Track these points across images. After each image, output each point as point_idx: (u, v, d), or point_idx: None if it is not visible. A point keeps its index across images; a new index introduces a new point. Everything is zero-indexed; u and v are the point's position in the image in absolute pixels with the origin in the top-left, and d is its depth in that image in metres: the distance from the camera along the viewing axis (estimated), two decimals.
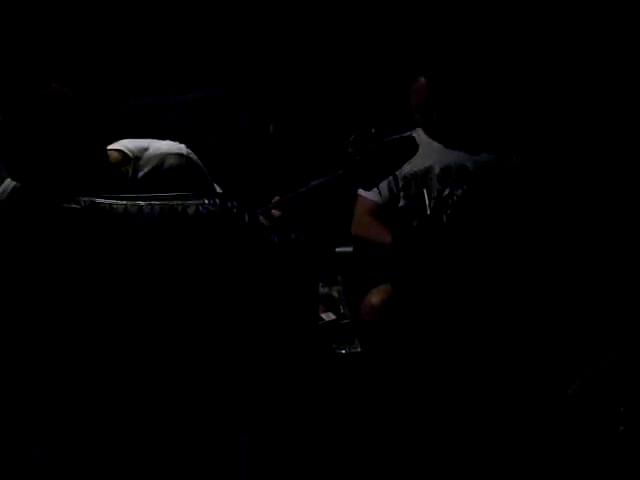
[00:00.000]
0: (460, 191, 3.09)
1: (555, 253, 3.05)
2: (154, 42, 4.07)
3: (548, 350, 3.00)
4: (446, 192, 3.21)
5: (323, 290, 3.64)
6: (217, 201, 2.33)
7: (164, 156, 2.56)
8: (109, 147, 2.55)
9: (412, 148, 2.73)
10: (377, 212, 3.68)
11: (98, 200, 2.26)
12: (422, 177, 3.67)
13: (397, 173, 3.58)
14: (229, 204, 2.34)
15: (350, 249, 3.78)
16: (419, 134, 3.78)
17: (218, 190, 2.66)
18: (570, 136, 3.75)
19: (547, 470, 2.75)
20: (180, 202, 2.31)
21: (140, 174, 2.54)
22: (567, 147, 3.62)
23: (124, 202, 2.28)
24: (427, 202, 3.22)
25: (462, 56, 4.04)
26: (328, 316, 3.49)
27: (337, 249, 3.79)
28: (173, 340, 2.27)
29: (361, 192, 3.70)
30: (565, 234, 3.06)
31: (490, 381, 2.98)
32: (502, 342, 3.00)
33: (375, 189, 3.53)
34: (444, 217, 3.02)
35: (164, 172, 2.55)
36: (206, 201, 2.33)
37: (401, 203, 3.72)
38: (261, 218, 2.60)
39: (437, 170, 3.69)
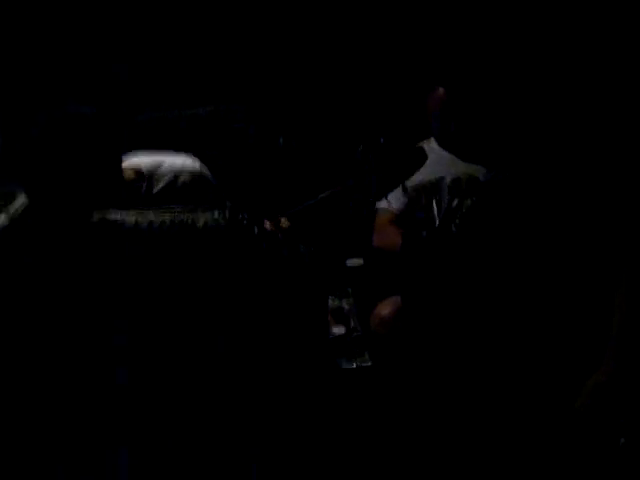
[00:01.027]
0: (469, 202, 3.09)
1: (561, 262, 3.05)
2: (168, 55, 4.08)
3: (556, 359, 3.00)
4: (455, 203, 3.21)
5: (333, 303, 3.62)
6: (227, 213, 2.33)
7: (178, 172, 2.59)
8: (124, 164, 2.56)
9: (420, 158, 2.72)
10: (397, 221, 3.65)
11: (109, 215, 2.26)
12: (433, 188, 3.66)
13: (408, 183, 3.58)
14: (239, 216, 2.34)
15: (361, 262, 3.76)
16: (431, 145, 3.77)
17: (230, 204, 2.67)
18: (581, 151, 3.74)
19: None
20: (190, 215, 2.31)
21: (155, 190, 2.57)
22: (577, 162, 3.61)
23: (134, 216, 2.28)
24: (436, 213, 3.21)
25: (480, 67, 4.04)
26: (338, 329, 3.48)
27: (348, 262, 3.77)
28: (182, 352, 2.26)
29: (379, 204, 3.69)
30: (571, 245, 3.06)
31: (498, 390, 2.98)
32: (511, 351, 3.00)
33: (392, 198, 3.54)
34: (453, 227, 3.01)
35: (178, 188, 2.57)
36: (216, 213, 2.33)
37: (416, 213, 3.70)
38: (272, 230, 2.60)
39: (448, 181, 3.67)
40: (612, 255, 2.64)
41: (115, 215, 2.25)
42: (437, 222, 3.19)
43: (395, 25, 4.21)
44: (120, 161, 2.52)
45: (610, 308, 2.52)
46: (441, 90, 3.75)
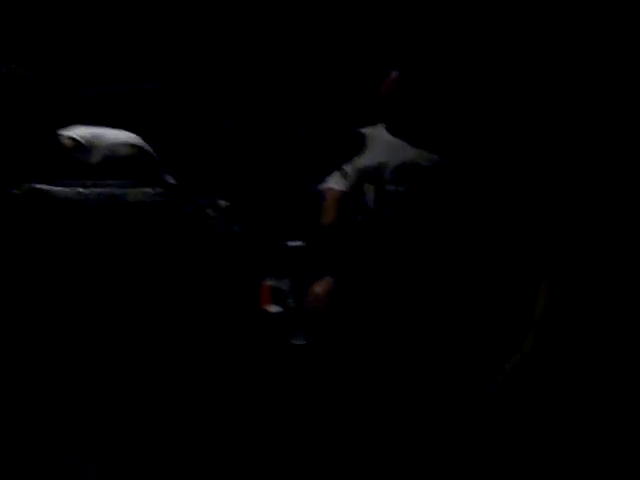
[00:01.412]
0: (403, 188, 3.14)
1: (489, 249, 3.12)
2: (109, 32, 4.07)
3: (479, 340, 3.07)
4: (390, 188, 3.24)
5: (272, 283, 3.67)
6: (159, 190, 2.35)
7: (117, 145, 2.58)
8: (62, 133, 2.56)
9: (361, 143, 2.75)
10: (344, 200, 3.67)
11: (38, 186, 2.27)
12: (375, 172, 3.68)
13: (352, 167, 3.62)
14: (172, 193, 2.37)
15: (301, 243, 3.80)
16: (380, 130, 3.79)
17: (171, 182, 2.68)
18: (523, 147, 3.79)
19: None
20: (122, 189, 2.33)
21: (92, 161, 2.56)
22: (516, 156, 3.66)
23: (65, 188, 2.29)
24: (372, 197, 3.23)
25: (434, 53, 4.06)
26: (275, 308, 3.53)
27: (289, 243, 3.81)
28: (109, 327, 2.28)
29: (327, 184, 3.71)
30: (499, 234, 3.12)
31: (423, 371, 3.04)
32: (435, 334, 3.07)
33: (331, 181, 3.59)
34: (387, 212, 3.05)
35: (116, 161, 2.56)
36: (148, 189, 2.35)
37: (357, 196, 3.73)
38: (207, 209, 2.62)
39: (391, 167, 3.69)
40: (539, 246, 2.70)
41: (44, 187, 2.26)
42: (372, 206, 3.22)
43: (348, 9, 4.24)
44: (58, 126, 2.52)
45: (532, 297, 2.58)
46: (394, 74, 3.78)
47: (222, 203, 2.84)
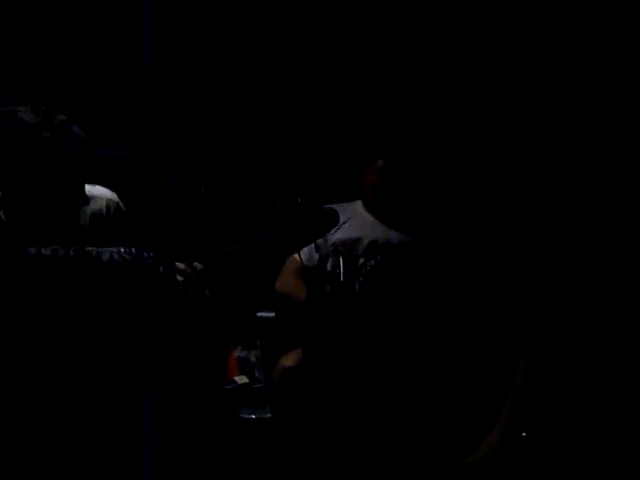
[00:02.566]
0: (373, 262, 3.19)
1: (459, 328, 3.16)
2: (91, 93, 4.09)
3: (453, 421, 3.08)
4: (361, 262, 3.29)
5: (241, 353, 3.65)
6: (133, 250, 2.35)
7: (91, 199, 2.56)
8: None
9: (332, 220, 2.79)
10: (302, 273, 3.71)
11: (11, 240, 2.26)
12: (350, 246, 3.73)
13: (325, 241, 3.66)
14: (145, 254, 2.36)
15: (272, 314, 3.80)
16: (357, 206, 3.86)
17: (143, 242, 2.66)
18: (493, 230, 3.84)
19: None
20: (95, 248, 2.32)
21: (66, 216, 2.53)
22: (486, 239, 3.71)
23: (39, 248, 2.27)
24: (342, 270, 3.29)
25: (418, 144, 4.14)
26: (241, 379, 3.50)
27: (259, 314, 3.80)
28: (73, 387, 2.26)
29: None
30: (468, 313, 3.17)
31: (395, 447, 3.05)
32: (408, 408, 3.08)
33: (303, 254, 3.62)
34: (356, 285, 3.09)
35: (89, 215, 2.53)
36: (122, 249, 2.34)
37: (328, 268, 3.77)
38: (180, 272, 2.61)
39: (365, 242, 3.74)
40: (512, 329, 2.71)
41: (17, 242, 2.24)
42: (341, 278, 3.27)
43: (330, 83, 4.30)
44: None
45: (509, 373, 2.57)
46: (380, 162, 3.86)
47: (197, 266, 2.83)
